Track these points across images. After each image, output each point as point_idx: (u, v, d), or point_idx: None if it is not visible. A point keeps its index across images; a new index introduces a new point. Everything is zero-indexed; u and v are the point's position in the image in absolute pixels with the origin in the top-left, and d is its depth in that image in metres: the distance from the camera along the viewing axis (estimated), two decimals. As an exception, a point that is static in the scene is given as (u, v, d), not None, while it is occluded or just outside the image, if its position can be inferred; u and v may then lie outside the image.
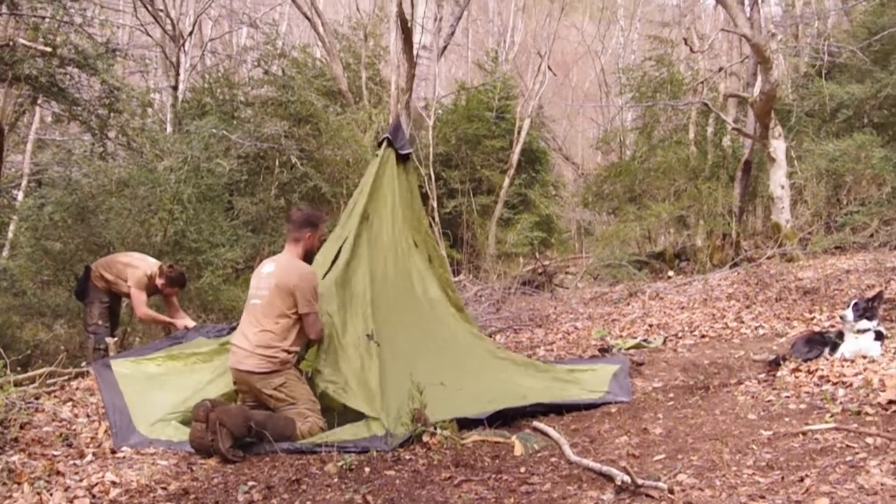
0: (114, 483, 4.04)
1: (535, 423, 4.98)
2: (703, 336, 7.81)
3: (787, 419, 4.32)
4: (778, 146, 12.36)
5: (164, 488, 4.02)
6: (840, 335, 5.62)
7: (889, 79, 12.92)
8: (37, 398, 5.55)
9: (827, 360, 5.45)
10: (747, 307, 8.73)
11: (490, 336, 9.05)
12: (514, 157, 17.72)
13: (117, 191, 9.23)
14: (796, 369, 5.40)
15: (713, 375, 5.96)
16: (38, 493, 3.82)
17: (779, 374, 5.46)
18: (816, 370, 5.22)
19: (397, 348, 5.51)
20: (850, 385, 4.69)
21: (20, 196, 11.06)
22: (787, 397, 4.79)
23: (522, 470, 4.05)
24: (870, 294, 6.38)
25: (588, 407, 5.47)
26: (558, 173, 24.20)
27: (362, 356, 5.19)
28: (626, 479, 3.47)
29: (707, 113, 16.28)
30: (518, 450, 4.43)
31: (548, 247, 19.33)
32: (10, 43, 7.86)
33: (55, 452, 4.50)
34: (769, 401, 4.80)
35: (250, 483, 4.05)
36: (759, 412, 4.59)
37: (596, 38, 26.98)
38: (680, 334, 8.04)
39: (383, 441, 4.54)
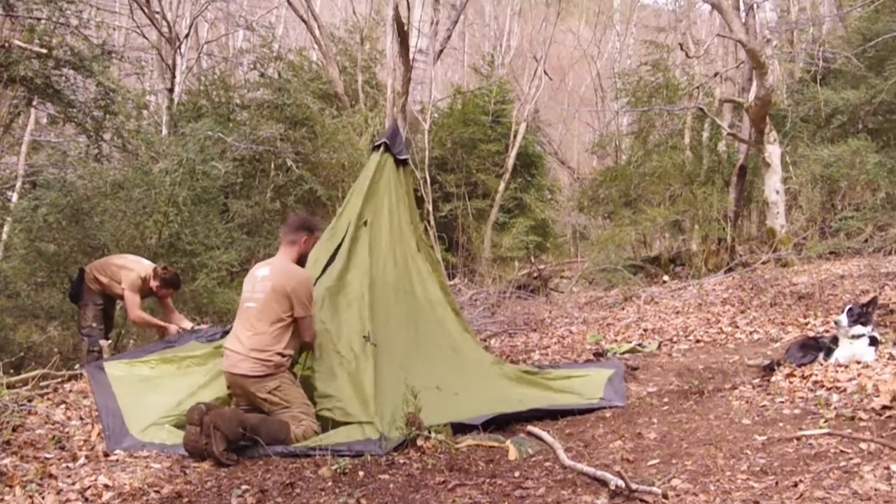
0: (106, 486, 4.03)
1: (530, 428, 4.99)
2: (697, 341, 7.82)
3: (781, 424, 4.32)
4: (773, 151, 12.39)
5: (157, 492, 4.01)
6: (834, 340, 5.62)
7: (883, 85, 12.95)
8: (30, 400, 5.53)
9: (821, 365, 5.45)
10: (742, 312, 8.73)
11: (485, 340, 9.05)
12: (510, 161, 17.72)
13: (112, 193, 9.20)
14: (791, 374, 5.40)
15: (708, 380, 5.96)
16: (30, 497, 3.81)
17: (773, 379, 5.46)
18: (811, 375, 5.22)
19: (394, 352, 5.52)
20: (844, 390, 4.70)
21: (14, 197, 11.01)
22: (782, 402, 4.79)
23: (517, 474, 4.04)
24: (864, 299, 6.39)
25: (583, 411, 5.47)
26: (554, 177, 24.19)
27: (358, 358, 5.19)
28: (621, 483, 3.47)
29: (702, 118, 16.32)
30: (512, 454, 4.43)
31: (543, 251, 19.33)
32: (6, 44, 7.85)
33: (48, 455, 4.48)
34: (763, 406, 4.80)
35: (244, 487, 4.04)
36: (753, 417, 4.60)
37: (592, 43, 27.01)
38: (675, 339, 8.05)
39: (377, 445, 4.53)
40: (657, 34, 21.44)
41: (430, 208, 14.31)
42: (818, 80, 14.40)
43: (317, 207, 13.31)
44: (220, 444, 4.42)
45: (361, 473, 4.19)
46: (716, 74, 17.02)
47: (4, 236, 9.80)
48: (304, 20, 16.49)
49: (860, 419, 4.13)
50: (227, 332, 5.69)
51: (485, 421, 4.95)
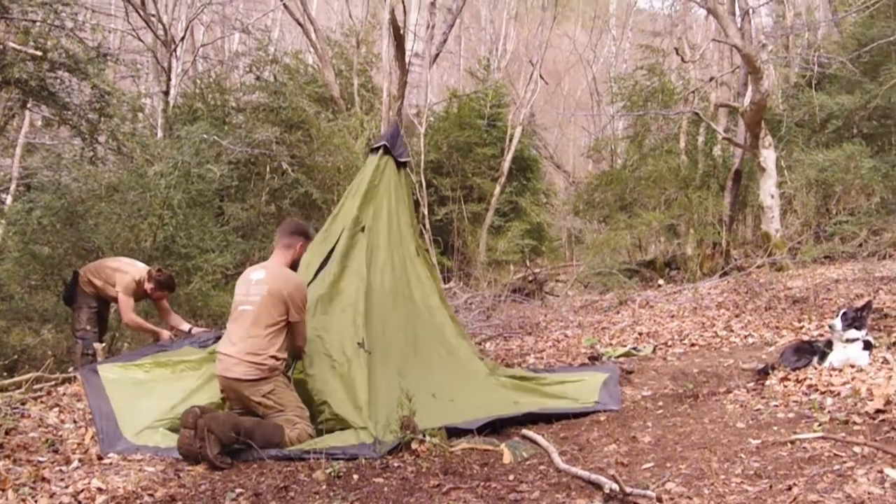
0: (100, 489, 4.01)
1: (525, 431, 4.98)
2: (692, 345, 7.82)
3: (775, 428, 4.33)
4: (768, 156, 12.42)
5: (150, 495, 4.00)
6: (829, 344, 5.64)
7: (878, 90, 12.99)
8: (23, 403, 5.52)
9: (815, 369, 5.46)
10: (737, 316, 8.74)
11: (480, 344, 9.05)
12: (506, 165, 17.73)
13: (107, 195, 9.19)
14: (785, 378, 5.41)
15: (702, 384, 5.97)
16: (23, 500, 3.80)
17: (767, 382, 5.47)
18: (805, 379, 5.23)
19: (391, 358, 5.51)
20: (839, 394, 4.70)
21: (9, 200, 11.01)
22: (776, 406, 4.79)
23: (511, 478, 4.04)
24: (858, 304, 6.40)
25: (577, 415, 5.47)
26: (549, 181, 24.22)
27: (350, 361, 5.18)
28: (615, 487, 3.47)
29: (698, 122, 16.35)
30: (507, 458, 4.42)
31: (538, 254, 19.35)
32: (1, 46, 7.83)
33: (41, 458, 4.47)
34: (758, 410, 4.81)
35: (238, 490, 4.03)
36: (747, 421, 4.60)
37: (588, 47, 27.04)
38: (670, 343, 8.05)
39: (372, 448, 4.53)
40: (653, 38, 21.48)
41: (426, 212, 14.30)
42: (813, 85, 14.46)
43: (312, 211, 13.30)
44: (214, 447, 4.41)
45: (356, 477, 4.18)
46: (711, 79, 17.04)
47: (-1, 239, 9.78)
48: (300, 23, 16.48)
49: (854, 423, 4.13)
50: (220, 338, 5.68)
51: (480, 425, 4.95)
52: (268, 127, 12.53)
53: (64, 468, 4.37)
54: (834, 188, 13.93)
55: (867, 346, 5.45)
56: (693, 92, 17.36)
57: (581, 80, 29.49)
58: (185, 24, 16.02)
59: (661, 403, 5.59)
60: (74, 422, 5.27)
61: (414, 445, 4.57)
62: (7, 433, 4.73)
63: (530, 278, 15.51)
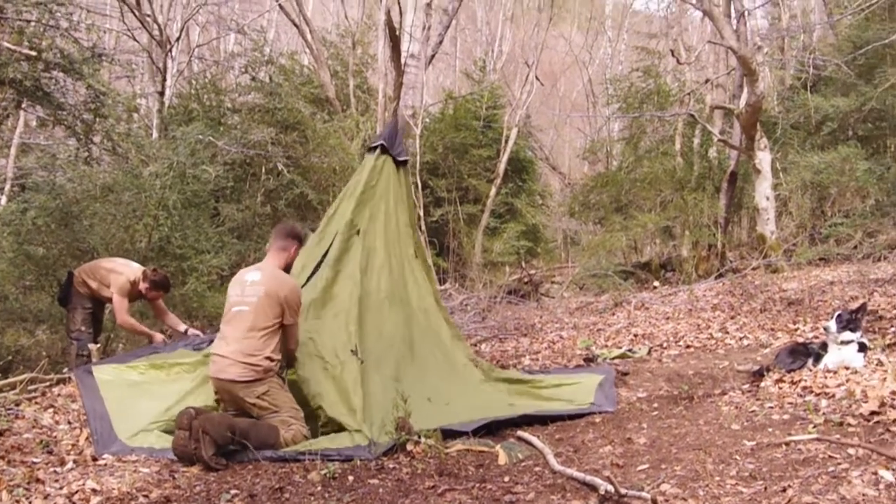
0: (94, 491, 4.00)
1: (520, 433, 4.98)
2: (687, 346, 7.83)
3: (770, 430, 4.33)
4: (763, 158, 12.45)
5: (145, 496, 3.99)
6: (823, 346, 5.64)
7: (873, 92, 13.04)
8: (17, 405, 5.50)
9: (810, 371, 5.47)
10: (732, 318, 8.75)
11: (475, 345, 9.04)
12: (501, 167, 17.74)
13: (102, 196, 9.16)
14: (780, 380, 5.41)
15: (697, 386, 5.97)
16: (18, 501, 3.79)
17: (762, 384, 5.47)
18: (800, 381, 5.23)
19: (385, 362, 5.50)
20: (833, 396, 4.71)
21: (3, 200, 10.97)
22: (771, 408, 4.80)
23: (506, 479, 4.04)
24: (853, 305, 6.41)
25: (573, 416, 5.47)
26: (545, 183, 24.24)
27: (343, 364, 5.18)
28: (610, 488, 3.47)
29: (693, 124, 16.38)
30: (502, 459, 4.42)
31: (534, 256, 19.36)
32: (-5, 47, 7.82)
33: (35, 459, 4.45)
34: (753, 411, 4.81)
35: (233, 491, 4.02)
36: (742, 423, 4.60)
37: (583, 49, 27.09)
38: (665, 344, 8.06)
39: (367, 450, 4.52)
40: (649, 40, 21.53)
41: (422, 213, 14.30)
42: (808, 88, 14.50)
43: (308, 212, 13.28)
44: (209, 448, 4.40)
45: (351, 478, 4.18)
46: (707, 81, 17.08)
47: (-7, 239, 9.75)
48: (295, 24, 16.49)
49: (849, 424, 4.14)
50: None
51: (475, 427, 4.95)
52: (263, 128, 12.51)
53: (58, 469, 4.35)
54: (829, 190, 13.98)
55: (862, 348, 5.46)
56: (689, 94, 17.40)
57: (577, 81, 29.51)
58: (180, 25, 16.01)
59: (656, 405, 5.59)
60: (69, 423, 5.25)
61: (409, 447, 4.57)
62: (1, 434, 4.72)
63: (526, 280, 15.50)
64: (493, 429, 5.11)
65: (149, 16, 13.78)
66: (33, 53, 7.99)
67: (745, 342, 7.59)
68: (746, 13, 13.24)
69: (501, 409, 5.53)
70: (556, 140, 29.84)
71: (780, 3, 18.40)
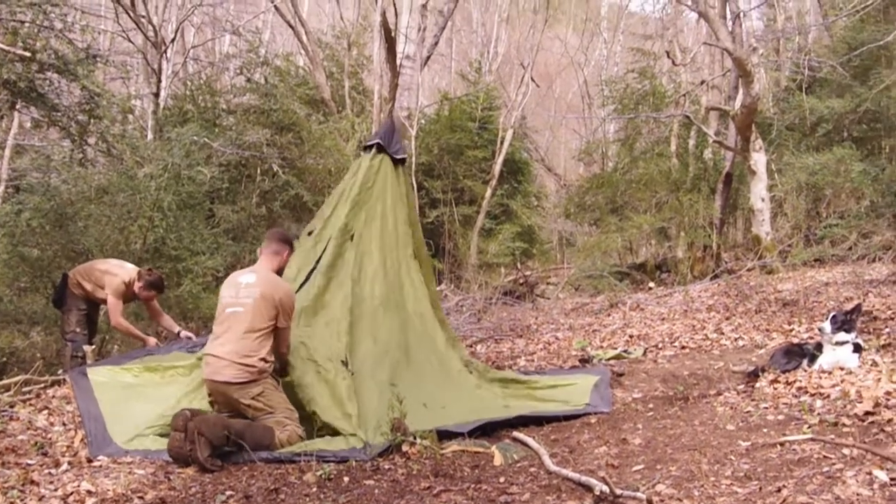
0: (89, 492, 4.00)
1: (515, 434, 4.98)
2: (683, 347, 7.84)
3: (765, 430, 4.34)
4: (759, 159, 12.47)
5: (140, 497, 3.98)
6: (818, 347, 5.66)
7: (868, 94, 13.06)
8: (12, 406, 5.50)
9: (805, 371, 5.48)
10: (727, 319, 8.76)
11: (471, 346, 9.04)
12: (497, 168, 17.73)
13: (96, 197, 9.14)
14: (775, 381, 5.42)
15: (693, 386, 5.98)
16: (12, 503, 3.77)
17: (758, 385, 5.48)
18: (795, 381, 5.24)
19: (381, 367, 5.48)
20: (828, 396, 4.72)
21: (-2, 202, 10.95)
22: (766, 408, 4.81)
23: (502, 480, 4.04)
24: (848, 306, 6.43)
25: (568, 417, 5.47)
26: (540, 184, 24.22)
27: (336, 369, 5.17)
28: (605, 489, 3.47)
29: (689, 125, 16.40)
30: (497, 460, 4.42)
31: (529, 257, 19.34)
32: (-11, 47, 7.80)
33: (30, 461, 4.45)
34: (748, 412, 4.82)
35: (228, 492, 4.02)
36: (737, 423, 4.61)
37: (579, 50, 27.07)
38: (660, 345, 8.06)
39: (362, 451, 4.52)
40: (644, 42, 21.55)
41: (417, 214, 14.29)
42: (804, 89, 14.52)
43: (303, 213, 13.27)
44: (204, 449, 4.40)
45: (346, 479, 4.18)
46: (702, 82, 17.11)
47: (-13, 240, 9.72)
48: (291, 25, 16.49)
49: (843, 425, 4.15)
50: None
51: (471, 429, 4.95)
52: (258, 129, 12.50)
53: (53, 471, 4.35)
54: (824, 191, 14.01)
55: (856, 348, 5.48)
56: (684, 95, 17.42)
57: (572, 82, 29.49)
58: (175, 26, 15.96)
59: (651, 406, 5.60)
60: (64, 424, 5.24)
61: (405, 448, 4.57)
62: (-5, 436, 4.71)
63: (521, 281, 15.52)
64: (489, 430, 5.11)
65: (144, 17, 13.76)
66: (27, 54, 7.96)
67: (741, 343, 7.60)
68: (742, 15, 13.28)
69: (497, 410, 5.54)
70: (552, 141, 29.85)
71: (775, 4, 18.43)
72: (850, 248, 11.66)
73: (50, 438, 4.91)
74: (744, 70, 11.70)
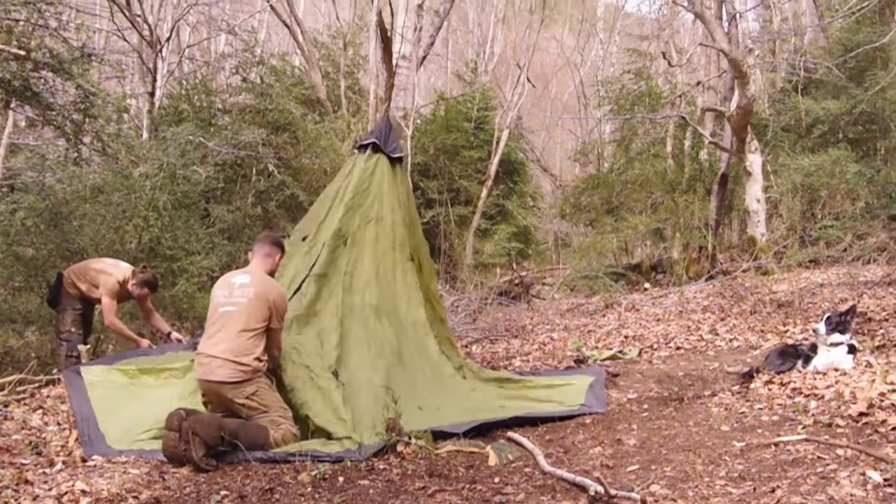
0: (84, 492, 3.99)
1: (510, 434, 4.98)
2: (678, 348, 7.85)
3: (759, 431, 4.34)
4: (754, 160, 12.48)
5: (135, 497, 3.98)
6: (813, 348, 5.67)
7: (864, 95, 13.08)
8: (6, 406, 5.49)
9: (800, 372, 5.49)
10: (722, 319, 8.78)
11: (466, 347, 9.04)
12: (492, 168, 17.74)
13: (91, 197, 9.12)
14: (769, 381, 5.43)
15: (687, 387, 5.99)
16: (6, 503, 3.77)
17: (752, 386, 5.49)
18: (789, 382, 5.25)
19: (374, 373, 5.47)
20: (822, 397, 4.72)
21: (-8, 201, 10.91)
22: (760, 409, 4.81)
23: (496, 480, 4.04)
24: (843, 308, 6.44)
25: (563, 418, 5.47)
26: (536, 184, 24.24)
27: (329, 379, 5.16)
28: (600, 489, 3.48)
29: (684, 126, 16.40)
30: (492, 460, 4.42)
31: (525, 258, 19.35)
32: (-16, 46, 7.78)
33: (24, 461, 4.44)
34: (742, 412, 4.82)
35: (223, 492, 4.02)
36: (732, 424, 4.61)
37: (575, 51, 27.09)
38: (655, 346, 8.07)
39: (357, 451, 4.52)
40: (640, 42, 21.58)
41: (417, 214, 14.28)
42: (799, 90, 14.53)
43: (298, 213, 13.21)
44: (199, 449, 4.39)
45: (341, 479, 4.17)
46: (698, 83, 17.13)
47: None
48: (286, 25, 16.46)
49: (837, 426, 4.16)
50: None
51: (466, 429, 4.95)
52: (254, 129, 12.48)
53: (47, 470, 4.34)
54: (819, 193, 14.03)
55: (851, 349, 5.49)
56: (680, 96, 17.43)
57: (568, 83, 29.52)
58: (170, 25, 15.93)
59: (646, 406, 5.60)
60: (58, 424, 5.23)
61: (399, 448, 4.57)
62: (-11, 435, 4.70)
63: (517, 281, 15.50)
64: (484, 430, 5.11)
65: (139, 16, 13.73)
66: (22, 53, 7.95)
67: (735, 344, 7.62)
68: (738, 16, 13.27)
69: (492, 410, 5.54)
70: (548, 142, 29.87)
71: (771, 5, 18.45)
72: (845, 250, 11.68)
73: (44, 438, 4.90)
74: (740, 71, 11.72)
